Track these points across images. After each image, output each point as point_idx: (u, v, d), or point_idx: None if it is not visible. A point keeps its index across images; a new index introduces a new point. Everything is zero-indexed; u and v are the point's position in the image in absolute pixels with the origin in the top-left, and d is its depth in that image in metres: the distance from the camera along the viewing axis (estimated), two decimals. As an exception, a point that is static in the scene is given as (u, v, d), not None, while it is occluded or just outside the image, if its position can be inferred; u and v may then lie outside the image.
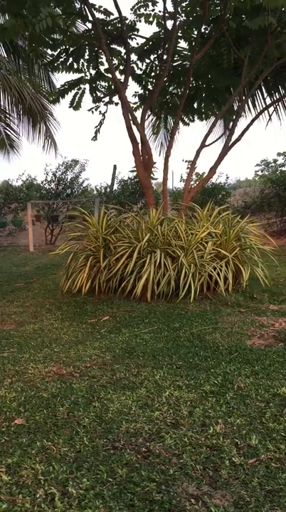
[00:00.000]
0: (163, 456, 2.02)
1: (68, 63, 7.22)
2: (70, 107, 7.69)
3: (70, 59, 7.20)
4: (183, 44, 7.46)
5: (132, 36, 7.24)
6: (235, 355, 3.32)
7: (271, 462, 1.94)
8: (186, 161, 11.54)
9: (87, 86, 7.64)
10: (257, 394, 2.62)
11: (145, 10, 6.70)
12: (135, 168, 6.74)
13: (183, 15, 6.84)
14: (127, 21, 7.01)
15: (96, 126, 8.06)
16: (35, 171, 25.35)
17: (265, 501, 1.69)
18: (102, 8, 6.73)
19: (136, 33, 7.23)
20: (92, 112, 7.95)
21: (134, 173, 10.52)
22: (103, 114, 8.01)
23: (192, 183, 7.25)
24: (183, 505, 1.68)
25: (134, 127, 6.72)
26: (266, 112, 7.95)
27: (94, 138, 8.00)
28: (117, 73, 7.22)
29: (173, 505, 1.67)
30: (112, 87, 7.50)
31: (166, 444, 2.11)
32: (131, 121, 6.68)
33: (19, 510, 1.68)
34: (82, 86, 7.61)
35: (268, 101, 8.21)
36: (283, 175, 13.57)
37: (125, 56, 7.09)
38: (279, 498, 1.71)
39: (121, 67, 7.49)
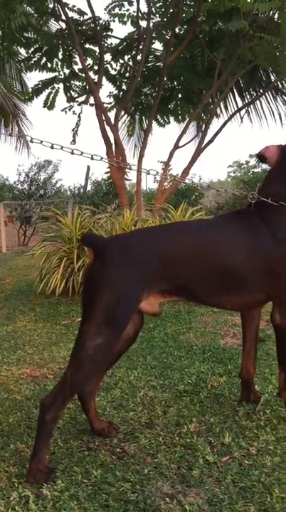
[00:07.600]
0: (138, 456, 2.02)
1: (42, 62, 7.16)
2: (44, 106, 7.62)
3: (44, 58, 7.14)
4: (157, 45, 7.50)
5: (106, 36, 7.23)
6: (209, 355, 3.35)
7: (244, 459, 1.97)
8: (160, 162, 11.56)
9: (61, 85, 7.59)
10: (231, 392, 2.65)
11: (120, 9, 6.68)
12: (109, 170, 6.73)
13: (157, 15, 6.86)
14: (101, 21, 6.99)
15: (73, 129, 7.99)
16: (7, 171, 25.00)
17: (238, 498, 1.72)
18: (75, 8, 6.70)
19: (110, 33, 7.22)
20: (65, 112, 7.89)
21: (108, 174, 10.50)
22: (79, 116, 7.96)
23: (165, 184, 7.26)
24: (157, 504, 1.68)
25: (107, 128, 6.70)
26: (238, 114, 8.04)
27: (73, 141, 7.93)
28: (91, 73, 7.20)
29: (148, 505, 1.68)
30: (87, 87, 7.47)
31: (141, 444, 2.12)
32: (105, 122, 6.67)
33: (-8, 514, 1.66)
34: (55, 85, 7.56)
35: (240, 103, 8.30)
36: (255, 176, 13.78)
37: (99, 56, 7.07)
38: (252, 494, 1.74)
39: (95, 67, 7.47)
